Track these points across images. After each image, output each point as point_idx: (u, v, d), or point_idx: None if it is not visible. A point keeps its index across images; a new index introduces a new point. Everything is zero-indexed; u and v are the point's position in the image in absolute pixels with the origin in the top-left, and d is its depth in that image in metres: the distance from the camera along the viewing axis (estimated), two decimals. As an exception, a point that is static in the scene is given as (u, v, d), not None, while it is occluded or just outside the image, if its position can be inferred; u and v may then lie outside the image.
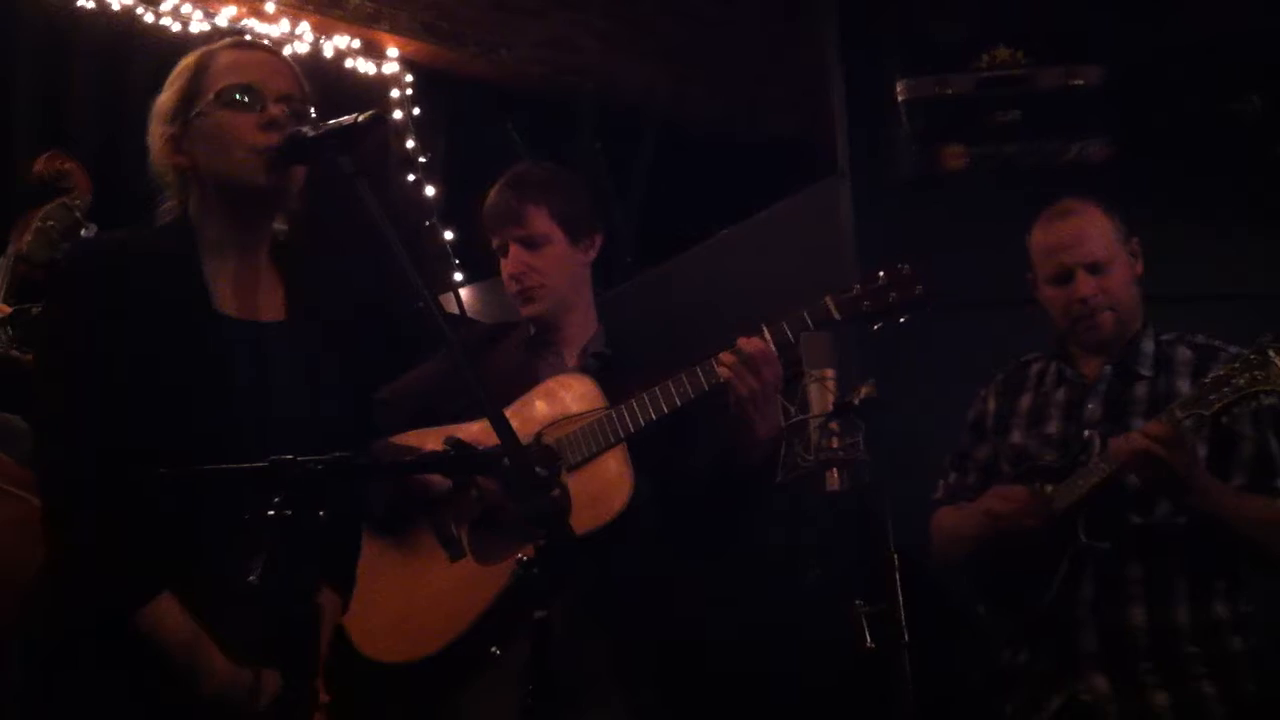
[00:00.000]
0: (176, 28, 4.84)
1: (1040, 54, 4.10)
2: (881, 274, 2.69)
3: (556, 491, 2.00)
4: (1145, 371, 2.93)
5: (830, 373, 2.50)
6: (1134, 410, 2.88)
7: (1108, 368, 2.95)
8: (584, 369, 2.90)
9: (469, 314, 5.04)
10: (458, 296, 5.15)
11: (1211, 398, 2.63)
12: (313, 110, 2.27)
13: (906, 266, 2.68)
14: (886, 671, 2.26)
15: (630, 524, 2.63)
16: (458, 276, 5.31)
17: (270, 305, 2.31)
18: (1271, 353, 2.61)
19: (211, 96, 2.24)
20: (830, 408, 2.44)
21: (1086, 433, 2.82)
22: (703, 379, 2.67)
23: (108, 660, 2.10)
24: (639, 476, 2.66)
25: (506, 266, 2.93)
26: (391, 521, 2.74)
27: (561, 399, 2.77)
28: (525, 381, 2.84)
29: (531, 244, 2.91)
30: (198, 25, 4.88)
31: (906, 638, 2.25)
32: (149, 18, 4.82)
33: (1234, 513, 2.72)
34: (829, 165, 4.23)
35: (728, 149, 5.74)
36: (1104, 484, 2.72)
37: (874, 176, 4.13)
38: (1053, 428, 2.97)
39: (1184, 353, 2.93)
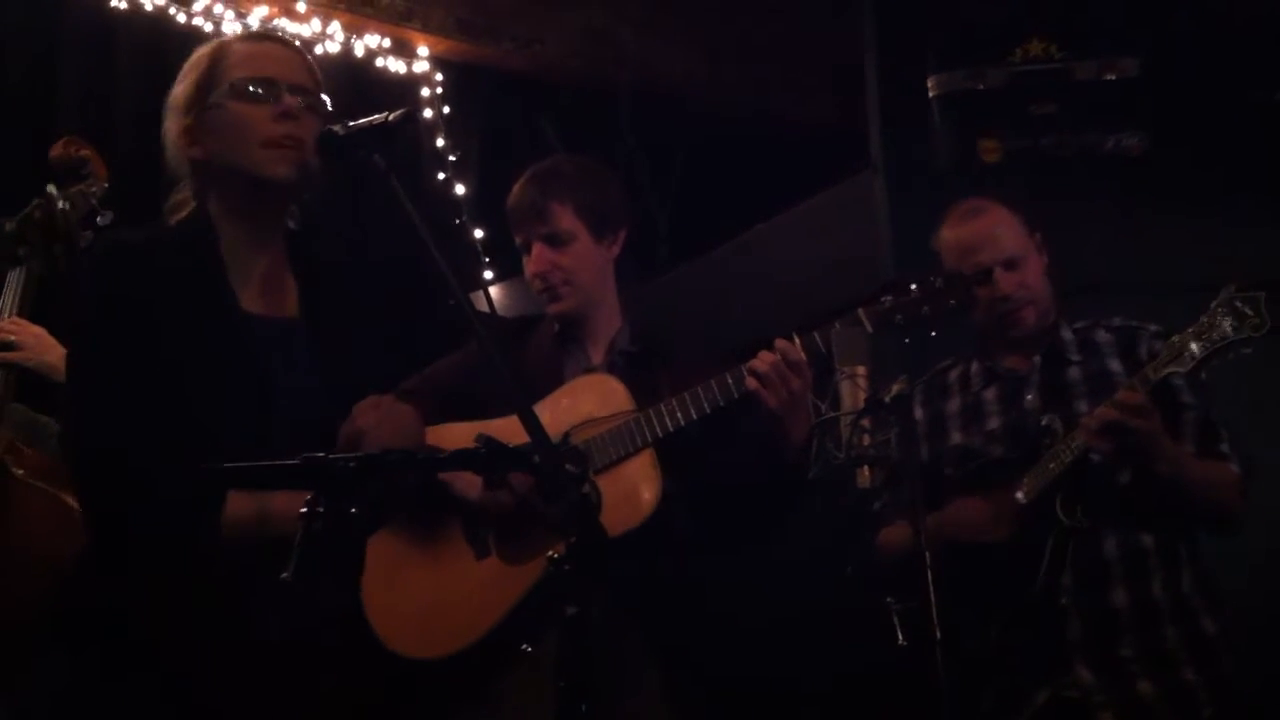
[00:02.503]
0: (209, 28, 4.87)
1: (1075, 46, 4.08)
2: (914, 286, 2.66)
3: (587, 487, 2.00)
4: (1074, 357, 2.96)
5: (862, 370, 2.48)
6: (1073, 393, 2.91)
7: (1037, 358, 2.98)
8: (610, 367, 2.89)
9: (499, 311, 5.05)
10: (488, 294, 5.16)
11: (1189, 353, 2.64)
12: (328, 101, 2.27)
13: (939, 279, 2.66)
14: (918, 668, 2.25)
15: (659, 525, 2.62)
16: (488, 274, 5.32)
17: (288, 301, 2.31)
18: (1239, 302, 2.63)
19: (226, 88, 2.23)
20: (862, 404, 2.42)
21: (1045, 419, 2.82)
22: (732, 387, 2.65)
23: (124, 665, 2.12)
24: (669, 477, 2.65)
25: (530, 264, 2.91)
26: (416, 517, 2.74)
27: (589, 400, 2.75)
28: (551, 378, 2.82)
29: (555, 241, 2.88)
30: (230, 25, 4.91)
31: (939, 635, 2.23)
32: (181, 18, 4.85)
33: (1196, 477, 2.76)
34: (865, 156, 4.22)
35: (764, 140, 5.72)
36: (1076, 463, 2.73)
37: (909, 170, 4.12)
38: (994, 423, 2.98)
39: (1103, 335, 2.98)
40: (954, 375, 3.12)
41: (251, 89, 2.22)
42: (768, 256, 4.66)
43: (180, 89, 2.29)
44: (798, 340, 2.65)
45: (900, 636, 2.27)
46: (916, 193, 4.03)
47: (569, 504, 1.93)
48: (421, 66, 5.45)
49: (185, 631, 2.10)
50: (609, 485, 2.64)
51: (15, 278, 3.05)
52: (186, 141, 2.27)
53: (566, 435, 2.68)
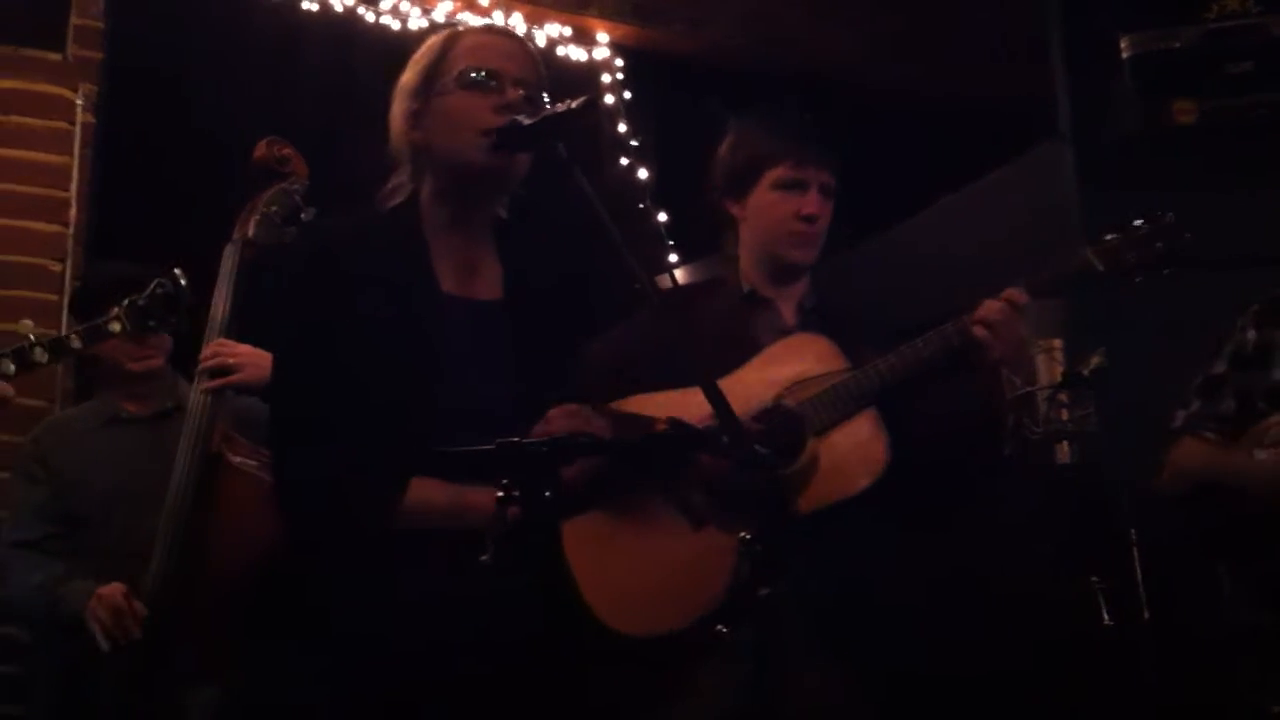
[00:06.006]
0: (396, 26, 5.00)
1: (1272, 1, 3.90)
2: (1141, 222, 2.57)
3: (775, 467, 1.98)
4: None
5: (1058, 343, 2.43)
6: None
7: None
8: (804, 325, 2.81)
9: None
10: (673, 277, 5.18)
11: None
12: (546, 98, 2.29)
13: (1170, 214, 2.55)
14: (1125, 648, 2.19)
15: (881, 491, 2.56)
16: (672, 258, 5.35)
17: (490, 283, 2.36)
18: None
19: (452, 77, 2.29)
20: (1058, 379, 2.37)
21: None
22: (954, 337, 2.56)
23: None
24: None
25: (805, 205, 2.80)
26: (623, 488, 2.72)
27: (800, 360, 2.67)
28: (740, 339, 2.76)
29: (828, 194, 2.83)
30: (416, 22, 5.03)
31: (1147, 615, 2.16)
32: (369, 17, 4.99)
33: None
34: (1049, 127, 4.11)
35: (943, 113, 5.62)
36: None
37: (1098, 136, 3.99)
38: None
39: None
40: None
41: (476, 78, 2.27)
42: (950, 232, 4.58)
43: (409, 75, 2.36)
44: (1025, 285, 2.55)
45: (1106, 616, 2.21)
46: (1107, 159, 3.91)
47: (755, 484, 1.92)
48: (601, 53, 5.50)
49: (380, 616, 2.15)
50: (831, 447, 2.58)
51: (221, 303, 3.19)
52: (409, 125, 2.33)
53: (779, 398, 2.62)
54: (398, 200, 2.37)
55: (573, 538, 2.56)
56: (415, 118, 2.32)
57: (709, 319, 2.83)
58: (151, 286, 2.84)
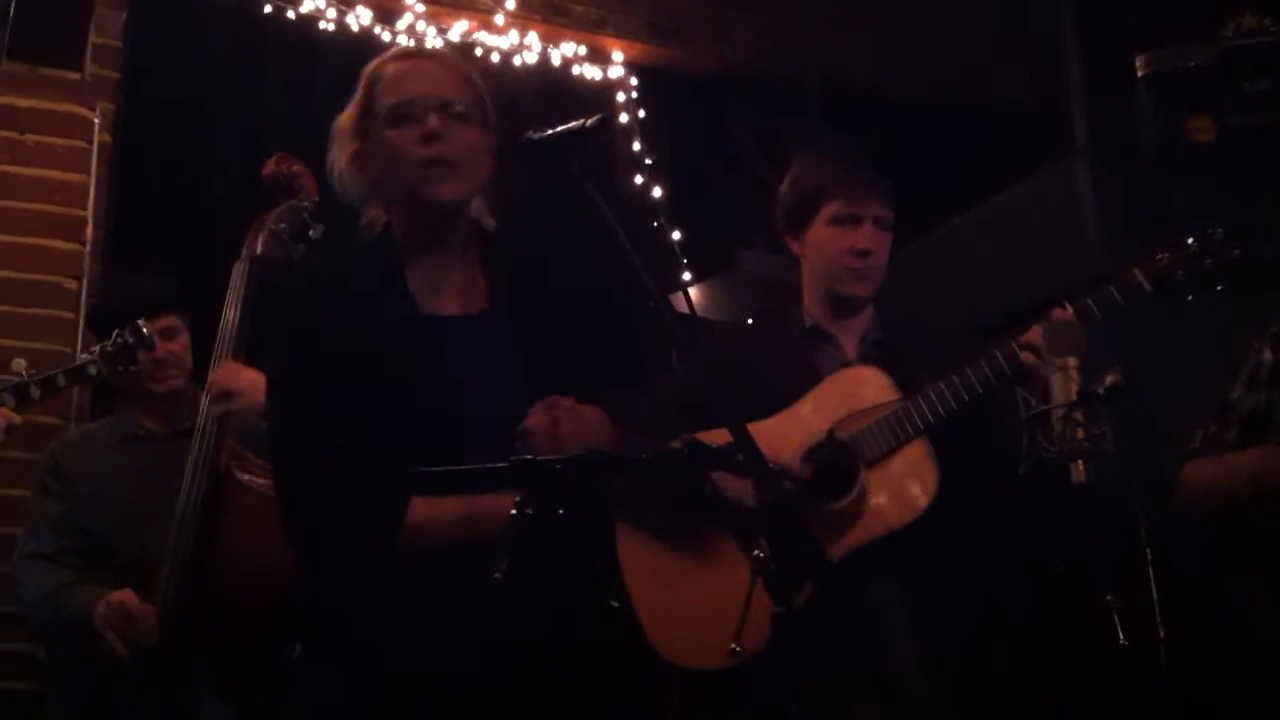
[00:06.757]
0: (412, 46, 5.01)
1: (1290, 19, 3.89)
2: (1191, 240, 2.55)
3: (787, 484, 1.98)
4: None
5: (1073, 361, 2.41)
6: None
7: None
8: (864, 358, 2.84)
9: (699, 313, 5.06)
10: (687, 296, 5.17)
11: None
12: (478, 106, 2.29)
13: (1220, 230, 2.54)
14: (1140, 668, 2.17)
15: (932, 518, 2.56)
16: (686, 276, 5.34)
17: (476, 297, 2.34)
18: None
19: (380, 116, 2.28)
20: (1073, 397, 2.35)
21: None
22: (1004, 364, 2.59)
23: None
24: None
25: (859, 240, 2.83)
26: (684, 520, 2.70)
27: (852, 392, 2.71)
28: (803, 372, 2.79)
29: (883, 227, 2.86)
30: (432, 42, 5.04)
31: (1162, 634, 2.15)
32: (385, 37, 5.01)
33: None
34: (1065, 142, 4.11)
35: (957, 128, 5.61)
36: None
37: (1115, 153, 3.99)
38: None
39: None
40: None
41: (398, 111, 2.26)
42: (965, 252, 4.58)
43: (344, 116, 2.35)
44: (1070, 308, 2.56)
45: (1121, 636, 2.19)
46: (1124, 177, 3.90)
47: (768, 502, 1.92)
48: (616, 72, 5.50)
49: (393, 627, 2.15)
50: (883, 478, 2.61)
51: (230, 319, 3.20)
52: (357, 167, 2.33)
53: (833, 429, 2.64)
54: (376, 230, 2.37)
55: (632, 562, 2.57)
56: (361, 159, 2.32)
57: (772, 354, 2.85)
58: (114, 335, 3.12)
